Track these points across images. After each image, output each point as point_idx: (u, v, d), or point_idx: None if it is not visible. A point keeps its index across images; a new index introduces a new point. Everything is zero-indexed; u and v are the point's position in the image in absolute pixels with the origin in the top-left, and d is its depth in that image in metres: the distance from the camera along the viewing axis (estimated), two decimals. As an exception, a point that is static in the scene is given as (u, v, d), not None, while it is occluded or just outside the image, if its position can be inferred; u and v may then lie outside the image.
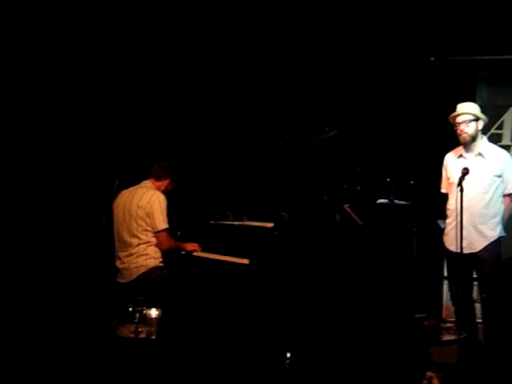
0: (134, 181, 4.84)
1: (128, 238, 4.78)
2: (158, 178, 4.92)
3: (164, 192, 4.89)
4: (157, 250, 4.79)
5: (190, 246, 4.93)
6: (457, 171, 4.61)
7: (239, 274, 4.51)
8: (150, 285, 4.65)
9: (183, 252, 4.94)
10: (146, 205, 4.76)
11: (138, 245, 4.75)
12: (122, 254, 4.81)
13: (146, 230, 4.77)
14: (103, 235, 4.64)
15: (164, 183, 4.93)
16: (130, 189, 4.91)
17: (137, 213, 4.77)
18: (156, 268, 4.75)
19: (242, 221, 5.03)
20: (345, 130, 4.76)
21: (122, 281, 4.78)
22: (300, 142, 4.69)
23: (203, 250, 4.91)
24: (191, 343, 4.41)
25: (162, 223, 4.75)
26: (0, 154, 5.14)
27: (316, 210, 4.75)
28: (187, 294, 4.70)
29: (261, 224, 4.71)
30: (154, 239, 4.77)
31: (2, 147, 5.16)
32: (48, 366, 4.22)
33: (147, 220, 4.76)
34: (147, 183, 4.93)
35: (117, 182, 4.59)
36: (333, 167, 4.79)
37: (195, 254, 4.92)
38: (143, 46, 5.69)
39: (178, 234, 4.95)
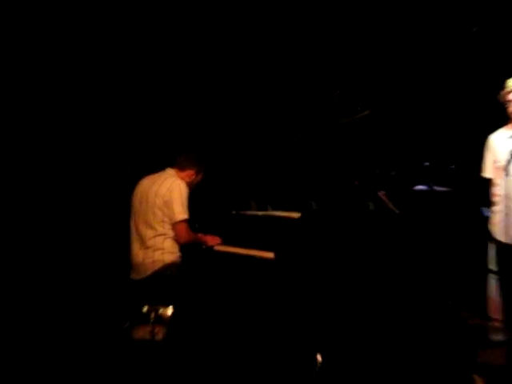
0: (149, 170, 4.50)
1: (144, 230, 4.39)
2: (181, 168, 4.54)
3: (190, 184, 4.52)
4: (174, 243, 4.40)
5: (211, 240, 4.53)
6: (507, 153, 4.18)
7: (263, 268, 4.11)
8: (166, 282, 4.27)
9: (204, 246, 4.54)
10: (164, 192, 4.37)
11: (154, 237, 4.35)
12: (136, 248, 4.42)
13: (163, 221, 4.38)
14: (115, 228, 4.32)
15: (188, 174, 4.54)
16: (152, 175, 4.54)
17: (154, 201, 4.39)
18: (173, 264, 4.36)
19: (266, 211, 4.68)
20: (378, 109, 4.34)
21: (136, 277, 4.37)
22: (329, 123, 4.31)
23: (224, 243, 4.52)
24: (210, 345, 4.12)
25: (180, 213, 4.35)
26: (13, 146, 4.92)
27: (347, 197, 4.35)
28: (206, 291, 4.38)
29: (286, 214, 4.38)
30: (171, 231, 4.38)
31: (15, 138, 4.93)
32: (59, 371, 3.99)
33: (165, 209, 4.36)
34: (171, 171, 4.55)
35: (129, 171, 4.25)
36: (365, 150, 4.39)
37: (216, 248, 4.53)
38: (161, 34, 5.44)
39: (196, 225, 4.56)
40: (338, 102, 4.22)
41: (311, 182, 4.49)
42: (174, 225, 4.37)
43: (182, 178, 4.53)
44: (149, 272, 4.33)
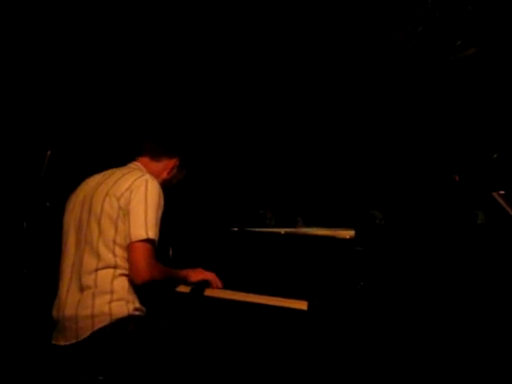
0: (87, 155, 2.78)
1: (81, 256, 2.58)
2: (155, 158, 2.78)
3: (167, 183, 2.82)
4: (135, 286, 2.56)
5: (199, 274, 2.76)
6: None
7: (289, 329, 2.60)
8: (116, 352, 2.50)
9: (185, 288, 2.77)
10: (122, 192, 2.60)
11: (95, 270, 2.55)
12: (65, 289, 2.60)
13: (115, 243, 2.56)
14: (25, 256, 2.64)
15: (166, 166, 2.80)
16: (107, 171, 2.78)
17: (102, 205, 2.59)
18: (128, 319, 2.54)
19: (294, 226, 3.20)
20: (492, 45, 2.80)
21: (63, 342, 2.55)
22: (408, 68, 2.69)
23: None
24: None
25: (140, 228, 2.54)
26: None
27: (439, 204, 2.77)
28: (189, 371, 2.74)
29: (329, 232, 2.98)
30: (127, 264, 2.54)
31: None
32: None
33: (119, 222, 2.57)
34: (135, 165, 2.79)
35: (49, 153, 2.57)
36: (470, 118, 2.79)
37: (208, 292, 2.76)
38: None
39: (170, 253, 2.88)
40: (426, 31, 2.61)
41: (371, 174, 2.88)
42: (131, 246, 2.53)
43: (157, 174, 2.76)
44: (86, 333, 2.50)
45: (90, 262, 2.57)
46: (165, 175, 2.80)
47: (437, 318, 2.64)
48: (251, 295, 2.71)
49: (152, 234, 2.54)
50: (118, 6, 4.29)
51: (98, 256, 2.55)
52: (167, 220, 2.72)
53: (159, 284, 2.68)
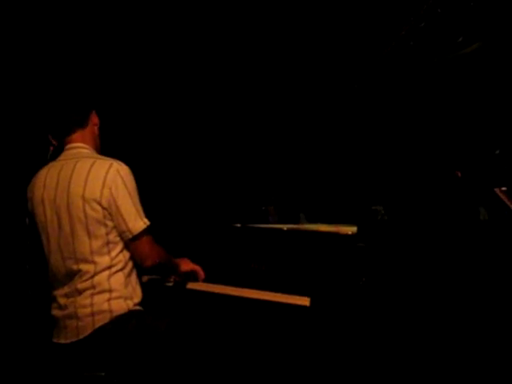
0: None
1: (73, 265, 2.56)
2: (80, 124, 2.69)
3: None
4: (128, 278, 2.60)
5: (189, 264, 2.83)
6: None
7: (292, 325, 2.61)
8: (117, 349, 2.52)
9: (171, 280, 2.88)
10: (100, 191, 2.56)
11: (93, 275, 2.54)
12: (61, 292, 2.60)
13: (108, 244, 2.56)
14: (27, 253, 2.65)
15: (93, 121, 2.74)
16: (54, 165, 2.67)
17: (86, 213, 2.55)
18: (130, 315, 2.55)
19: (296, 223, 3.19)
20: (494, 42, 2.82)
21: (63, 341, 2.56)
22: (410, 63, 2.72)
23: (220, 280, 2.80)
24: None
25: (137, 219, 2.58)
26: None
27: (442, 200, 2.79)
28: (190, 367, 2.76)
29: (332, 228, 2.92)
30: (122, 257, 2.58)
31: None
32: None
33: (108, 222, 2.56)
34: (78, 148, 2.69)
35: (51, 149, 2.59)
36: (472, 114, 2.82)
37: (210, 288, 2.79)
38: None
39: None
40: (428, 27, 2.64)
41: (373, 170, 2.90)
42: (132, 242, 2.57)
43: (94, 135, 2.75)
44: (86, 331, 2.51)
45: (85, 269, 2.55)
46: (96, 130, 2.77)
47: (438, 314, 2.70)
48: (254, 291, 2.73)
49: (146, 219, 2.60)
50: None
51: (95, 263, 2.54)
52: (170, 216, 2.77)
53: (163, 266, 2.73)
